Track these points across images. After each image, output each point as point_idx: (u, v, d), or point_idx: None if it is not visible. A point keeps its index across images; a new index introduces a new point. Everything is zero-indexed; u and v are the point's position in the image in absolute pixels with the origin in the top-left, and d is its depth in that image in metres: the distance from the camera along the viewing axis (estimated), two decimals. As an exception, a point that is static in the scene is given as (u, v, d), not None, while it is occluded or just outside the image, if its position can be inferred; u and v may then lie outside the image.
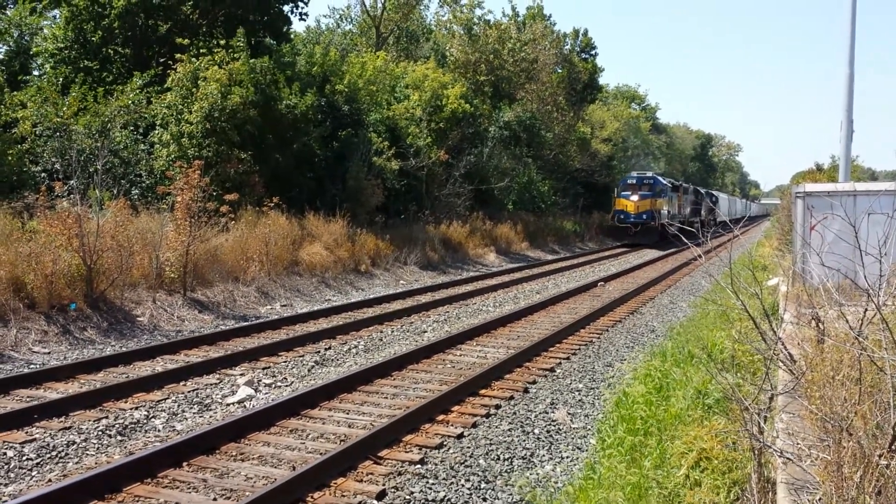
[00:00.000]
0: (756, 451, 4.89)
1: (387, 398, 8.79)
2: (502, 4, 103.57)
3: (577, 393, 9.38)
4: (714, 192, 68.51)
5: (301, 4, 27.54)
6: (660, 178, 40.28)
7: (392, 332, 13.02)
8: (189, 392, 8.89)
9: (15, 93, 21.00)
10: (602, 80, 68.56)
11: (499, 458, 7.02)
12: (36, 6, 27.77)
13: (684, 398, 7.64)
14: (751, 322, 5.74)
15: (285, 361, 10.61)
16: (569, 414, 8.42)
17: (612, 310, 16.18)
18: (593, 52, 62.64)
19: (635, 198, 37.32)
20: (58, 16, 26.79)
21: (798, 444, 4.91)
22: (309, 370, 10.24)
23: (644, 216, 37.27)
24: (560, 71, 49.29)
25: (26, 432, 7.31)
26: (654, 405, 7.69)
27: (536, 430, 7.83)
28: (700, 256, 7.60)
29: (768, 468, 5.06)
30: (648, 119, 79.95)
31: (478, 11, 44.71)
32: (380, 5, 42.85)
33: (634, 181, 38.34)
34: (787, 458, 4.49)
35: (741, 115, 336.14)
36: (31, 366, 10.18)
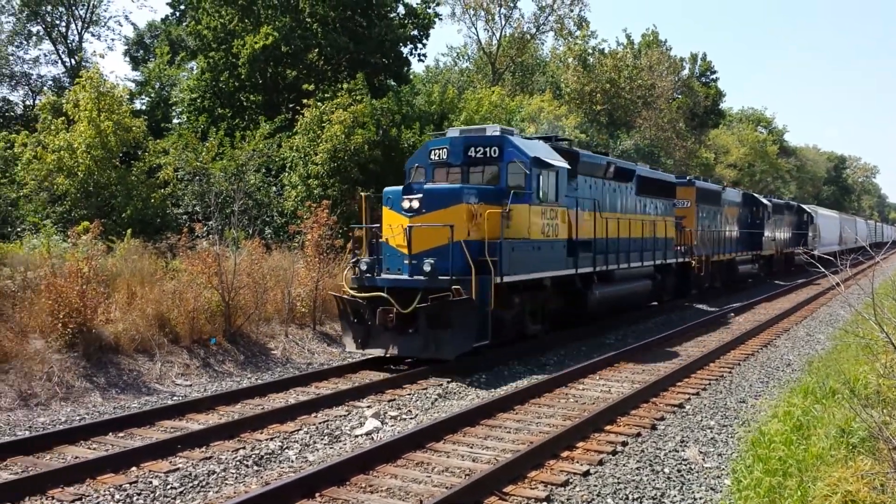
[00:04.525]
0: (909, 496, 4.58)
1: (510, 432, 8.77)
2: (616, 34, 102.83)
3: (708, 430, 9.04)
4: (805, 207, 44.02)
5: (419, 46, 28.39)
6: (540, 142, 15.22)
7: (514, 366, 12.99)
8: (320, 423, 9.18)
9: (158, 140, 22.67)
10: (725, 105, 66.74)
11: (627, 498, 6.84)
12: (174, 59, 30.01)
13: (826, 437, 7.24)
14: (898, 356, 5.41)
15: (409, 394, 10.78)
16: (700, 453, 8.12)
17: (744, 342, 15.52)
18: (714, 77, 61.13)
19: (416, 203, 12.63)
20: (194, 67, 28.80)
21: (958, 489, 4.55)
22: (432, 403, 10.36)
23: (437, 260, 12.26)
24: (679, 97, 48.32)
25: (170, 462, 7.74)
26: (794, 444, 7.32)
27: (666, 470, 7.59)
28: (838, 285, 7.24)
29: (924, 514, 4.72)
30: (776, 142, 76.72)
31: (592, 42, 44.54)
32: (495, 42, 43.53)
33: (446, 150, 14.03)
34: (946, 505, 4.18)
35: (878, 136, 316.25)
36: (175, 398, 10.82)
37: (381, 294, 12.56)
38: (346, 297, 12.90)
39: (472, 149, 13.80)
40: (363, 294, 12.79)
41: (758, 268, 31.52)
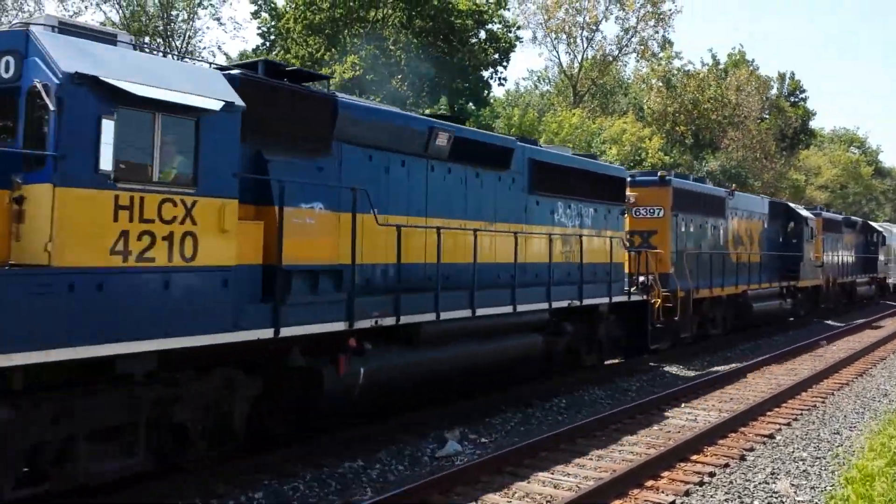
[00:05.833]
0: None
1: (591, 459, 8.64)
2: (701, 54, 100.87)
3: (800, 462, 8.68)
4: (875, 225, 36.36)
5: (500, 69, 28.60)
6: (204, 66, 8.15)
7: (595, 391, 12.79)
8: (406, 445, 9.19)
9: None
10: (815, 124, 64.53)
11: (714, 530, 6.62)
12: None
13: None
14: None
15: (491, 418, 10.72)
16: (792, 485, 7.80)
17: (838, 371, 14.91)
18: (803, 96, 59.20)
19: None
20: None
21: None
22: (512, 427, 10.30)
23: None
24: (767, 117, 47.07)
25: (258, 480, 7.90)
26: (893, 478, 6.97)
27: (756, 503, 7.33)
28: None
29: None
30: (870, 163, 73.56)
31: (676, 62, 43.86)
32: (576, 65, 43.39)
33: None
34: None
35: None
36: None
37: None
38: None
39: None
40: None
41: (792, 303, 23.26)
